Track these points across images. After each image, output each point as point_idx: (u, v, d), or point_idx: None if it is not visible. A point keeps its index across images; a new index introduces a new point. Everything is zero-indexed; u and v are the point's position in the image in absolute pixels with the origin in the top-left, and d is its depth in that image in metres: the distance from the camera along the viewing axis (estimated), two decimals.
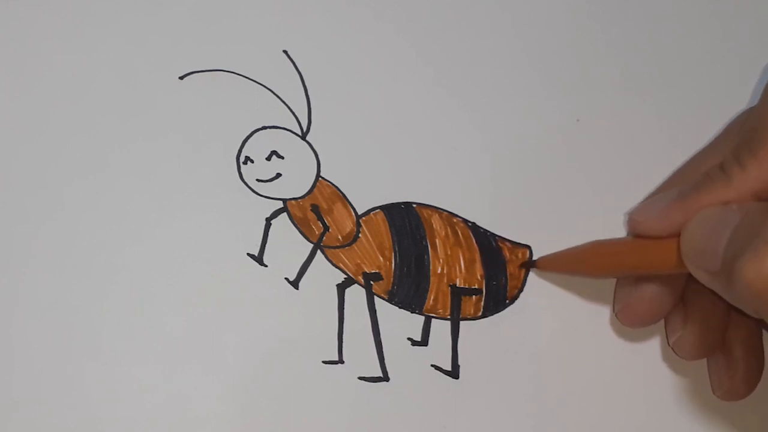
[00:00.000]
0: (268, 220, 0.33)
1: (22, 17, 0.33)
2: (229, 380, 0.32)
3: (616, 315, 0.33)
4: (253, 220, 0.33)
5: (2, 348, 0.31)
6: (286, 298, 0.32)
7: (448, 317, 0.33)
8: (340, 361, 0.32)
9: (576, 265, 0.33)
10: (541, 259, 0.33)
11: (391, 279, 0.33)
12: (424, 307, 0.33)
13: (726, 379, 0.32)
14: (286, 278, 0.33)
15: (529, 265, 0.33)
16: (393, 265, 0.34)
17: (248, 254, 0.33)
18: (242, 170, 0.33)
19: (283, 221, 0.33)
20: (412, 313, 0.33)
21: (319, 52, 0.34)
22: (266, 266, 0.33)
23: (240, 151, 0.33)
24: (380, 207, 0.34)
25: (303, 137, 0.34)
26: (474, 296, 0.34)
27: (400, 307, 0.33)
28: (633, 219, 0.30)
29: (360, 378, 0.32)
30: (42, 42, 0.33)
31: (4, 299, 0.31)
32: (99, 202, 0.32)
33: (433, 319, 0.33)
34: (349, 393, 0.32)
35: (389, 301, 0.33)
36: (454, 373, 0.33)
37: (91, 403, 0.31)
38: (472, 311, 0.34)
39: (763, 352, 0.32)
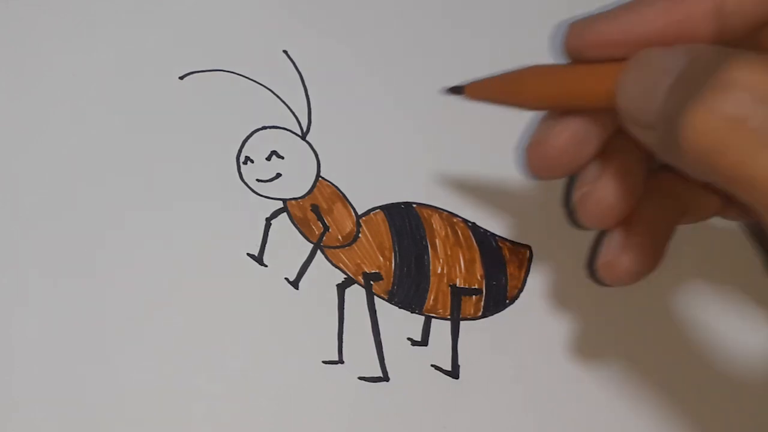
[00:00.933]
0: (268, 220, 0.33)
1: (22, 17, 0.33)
2: (229, 380, 0.32)
3: (526, 157, 0.27)
4: (253, 220, 0.33)
5: (2, 348, 0.31)
6: (286, 298, 0.32)
7: (448, 317, 0.33)
8: (340, 361, 0.32)
9: (506, 93, 0.27)
10: (469, 85, 0.28)
11: (391, 279, 0.33)
12: (424, 307, 0.33)
13: (614, 253, 0.27)
14: (286, 278, 0.33)
15: (456, 91, 0.28)
16: (393, 265, 0.34)
17: (248, 254, 0.33)
18: (242, 170, 0.33)
19: (283, 221, 0.33)
20: (412, 313, 0.33)
21: (319, 52, 0.34)
22: (266, 266, 0.33)
23: (240, 151, 0.33)
24: (380, 207, 0.34)
25: (303, 137, 0.34)
26: (474, 296, 0.34)
27: (400, 307, 0.33)
28: (570, 29, 0.26)
29: (360, 378, 0.32)
30: (42, 42, 0.33)
31: (4, 299, 0.31)
32: (99, 202, 0.32)
33: (433, 319, 0.33)
34: (349, 393, 0.32)
35: (389, 301, 0.33)
36: (454, 373, 0.33)
37: (91, 403, 0.31)
38: (472, 311, 0.34)
39: (668, 239, 0.28)
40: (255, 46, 0.34)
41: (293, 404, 0.32)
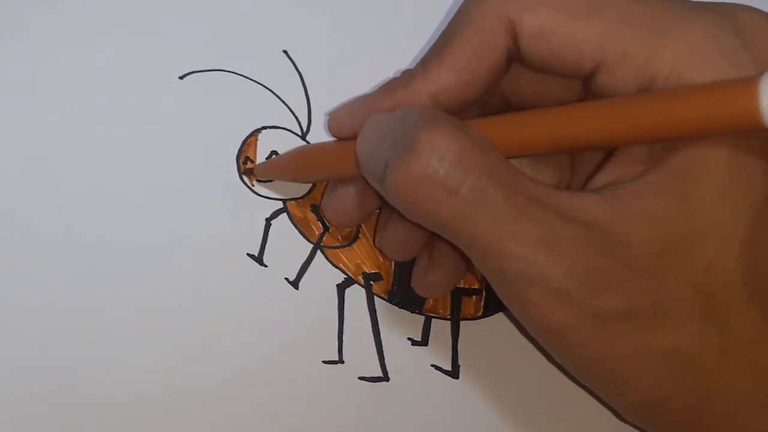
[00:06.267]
0: (268, 221, 0.33)
1: (22, 17, 0.33)
2: (230, 380, 0.32)
3: (322, 213, 0.33)
4: (253, 220, 0.33)
5: (1, 348, 0.31)
6: (286, 298, 0.32)
7: (448, 317, 0.33)
8: (340, 361, 0.32)
9: (286, 171, 0.32)
10: (257, 167, 0.33)
11: (391, 279, 0.33)
12: (424, 307, 0.33)
13: (422, 273, 0.32)
14: (286, 278, 0.33)
15: (249, 173, 0.33)
16: (393, 265, 0.34)
17: (248, 254, 0.33)
18: (242, 170, 0.33)
19: (283, 221, 0.33)
20: (412, 313, 0.33)
21: (319, 52, 0.34)
22: (266, 266, 0.33)
23: (240, 151, 0.33)
24: (380, 207, 0.34)
25: (303, 137, 0.34)
26: (474, 296, 0.34)
27: (400, 307, 0.33)
28: (329, 116, 0.31)
29: (360, 378, 0.32)
30: (42, 42, 0.33)
31: (4, 299, 0.31)
32: (99, 203, 0.32)
33: (433, 319, 0.33)
34: (349, 393, 0.32)
35: (389, 301, 0.33)
36: (454, 373, 0.33)
37: (91, 403, 0.31)
38: (472, 311, 0.34)
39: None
40: (255, 46, 0.34)
41: (293, 404, 0.32)
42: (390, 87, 0.29)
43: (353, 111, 0.30)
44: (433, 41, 0.29)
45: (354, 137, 0.29)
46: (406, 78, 0.28)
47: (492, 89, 0.29)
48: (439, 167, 0.25)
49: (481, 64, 0.27)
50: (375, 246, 0.33)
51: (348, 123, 0.30)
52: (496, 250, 0.26)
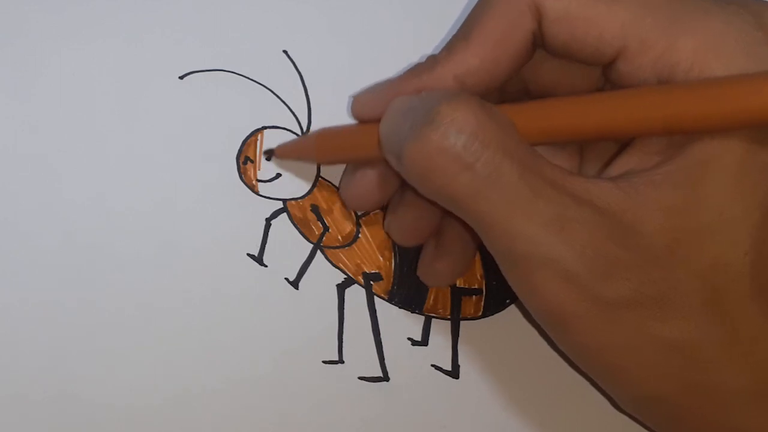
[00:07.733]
0: (268, 221, 0.33)
1: (22, 17, 0.33)
2: (230, 380, 0.32)
3: (341, 198, 0.33)
4: (253, 220, 0.33)
5: (2, 348, 0.31)
6: (286, 298, 0.32)
7: (448, 317, 0.33)
8: (340, 361, 0.32)
9: (307, 151, 0.32)
10: (278, 148, 0.33)
11: (391, 279, 0.33)
12: (424, 307, 0.33)
13: (429, 261, 0.32)
14: (286, 278, 0.33)
15: (269, 153, 0.33)
16: (393, 265, 0.34)
17: (248, 254, 0.33)
18: (242, 170, 0.33)
19: (283, 221, 0.33)
20: (412, 313, 0.33)
21: (319, 52, 0.34)
22: (266, 266, 0.33)
23: (240, 151, 0.33)
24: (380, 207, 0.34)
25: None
26: (474, 296, 0.34)
27: (400, 307, 0.33)
28: (354, 99, 0.30)
29: (360, 378, 0.32)
30: (42, 42, 0.33)
31: (3, 299, 0.31)
32: (99, 203, 0.32)
33: (433, 319, 0.33)
34: (349, 393, 0.32)
35: (389, 301, 0.33)
36: (454, 373, 0.33)
37: (90, 403, 0.31)
38: (472, 311, 0.34)
39: (473, 242, 0.32)
40: (255, 46, 0.34)
41: (293, 404, 0.32)
42: (415, 71, 0.29)
43: (377, 94, 0.30)
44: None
45: (376, 120, 0.29)
46: (431, 62, 0.28)
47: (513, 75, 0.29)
48: (457, 140, 0.25)
49: (506, 47, 0.28)
50: (383, 230, 0.33)
51: (372, 106, 0.30)
52: (506, 228, 0.25)
